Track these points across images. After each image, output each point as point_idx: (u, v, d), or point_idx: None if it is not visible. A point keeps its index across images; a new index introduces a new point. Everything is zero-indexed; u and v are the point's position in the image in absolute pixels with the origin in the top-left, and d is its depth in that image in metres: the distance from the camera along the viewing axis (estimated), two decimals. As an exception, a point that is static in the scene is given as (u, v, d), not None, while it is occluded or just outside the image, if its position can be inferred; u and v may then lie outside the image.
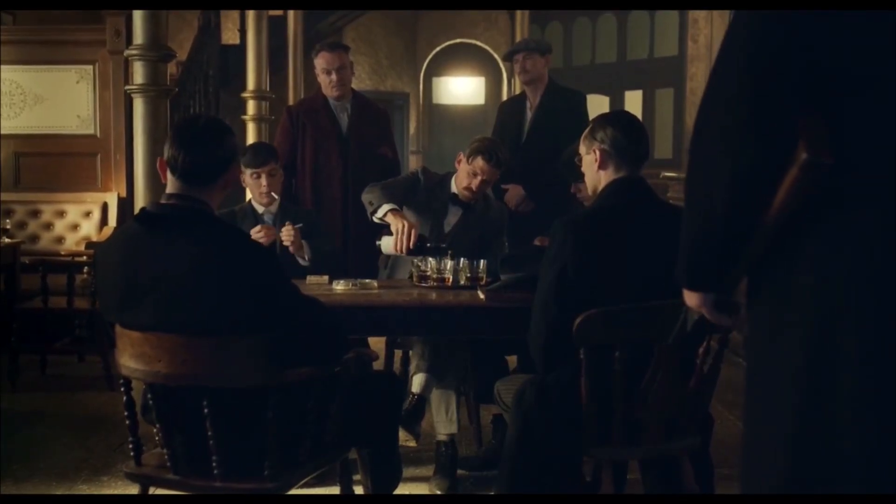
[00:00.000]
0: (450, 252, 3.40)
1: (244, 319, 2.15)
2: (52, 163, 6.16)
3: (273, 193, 3.83)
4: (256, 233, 3.67)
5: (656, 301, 2.38)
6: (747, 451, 1.53)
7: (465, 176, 3.70)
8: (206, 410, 2.15)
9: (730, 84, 1.40)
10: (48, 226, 6.07)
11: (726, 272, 1.51)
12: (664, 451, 2.55)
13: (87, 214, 6.06)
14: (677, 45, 10.62)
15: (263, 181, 3.80)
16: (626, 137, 2.63)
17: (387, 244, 3.59)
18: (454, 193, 3.77)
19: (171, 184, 2.24)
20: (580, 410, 2.47)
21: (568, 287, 2.48)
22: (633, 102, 10.83)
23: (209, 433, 2.17)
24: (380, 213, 3.58)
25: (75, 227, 6.05)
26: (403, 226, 3.46)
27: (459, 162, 3.74)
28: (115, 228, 2.50)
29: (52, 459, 3.69)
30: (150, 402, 2.22)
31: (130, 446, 2.34)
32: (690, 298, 1.60)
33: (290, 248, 3.69)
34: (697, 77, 10.18)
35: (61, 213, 6.09)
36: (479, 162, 3.64)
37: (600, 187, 2.65)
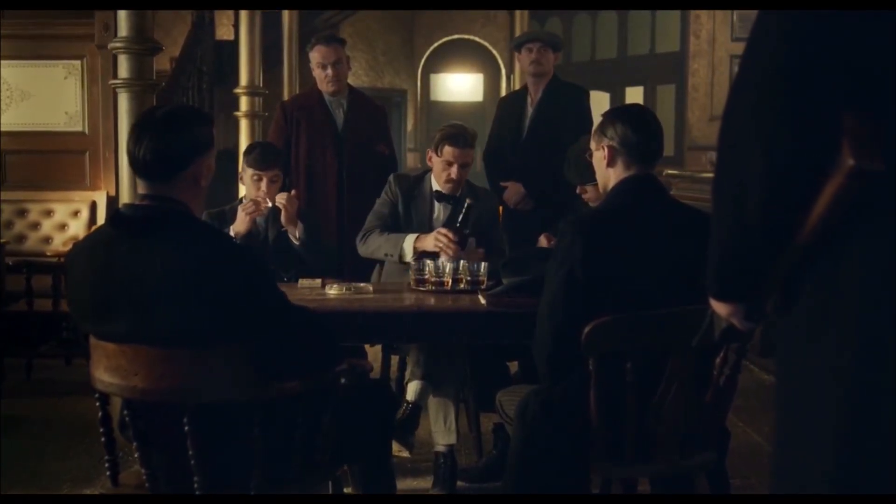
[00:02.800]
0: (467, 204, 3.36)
1: (227, 329, 1.99)
2: (39, 161, 5.98)
3: (269, 200, 3.61)
4: (245, 206, 3.48)
5: (671, 307, 2.23)
6: (783, 454, 1.40)
7: (441, 170, 3.55)
8: (186, 427, 1.99)
9: (764, 82, 1.27)
10: (35, 225, 5.91)
11: (761, 281, 1.36)
12: (678, 468, 2.40)
13: (76, 214, 5.90)
14: (679, 40, 10.50)
15: (263, 186, 3.58)
16: (636, 133, 2.48)
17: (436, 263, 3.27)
18: (437, 191, 3.61)
19: (139, 183, 2.07)
20: (588, 424, 2.32)
21: (576, 292, 2.33)
22: (634, 99, 10.72)
23: (190, 452, 2.01)
24: (409, 255, 3.42)
25: (63, 226, 5.89)
26: (438, 237, 3.31)
27: (430, 159, 3.60)
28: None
29: (33, 470, 3.55)
30: (127, 418, 2.06)
31: (107, 465, 2.18)
32: (720, 308, 1.45)
33: (283, 218, 3.52)
34: (699, 73, 10.07)
35: (49, 213, 5.92)
36: (448, 149, 3.49)
37: (610, 186, 2.50)
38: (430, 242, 3.35)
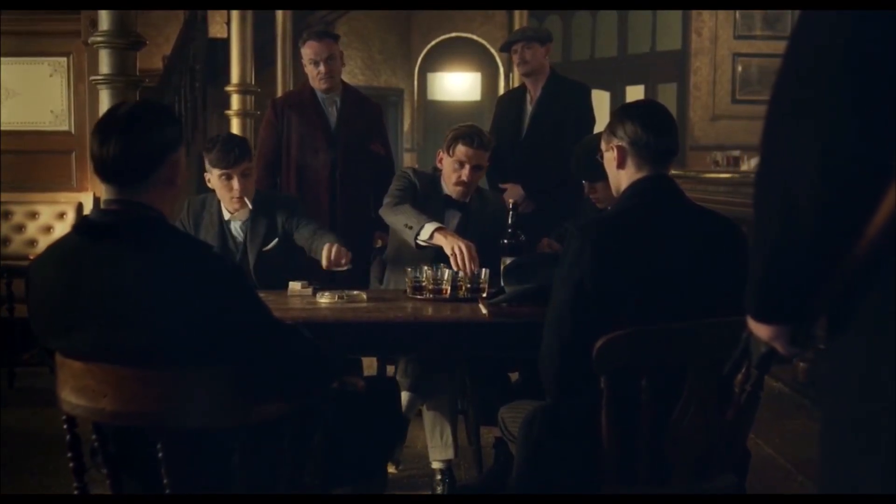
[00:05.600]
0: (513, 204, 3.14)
1: (205, 347, 1.80)
2: (23, 161, 5.82)
3: (246, 199, 3.28)
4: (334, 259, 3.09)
5: (690, 319, 2.07)
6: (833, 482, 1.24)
7: (451, 171, 3.32)
8: (160, 454, 1.81)
9: (819, 78, 1.12)
10: (20, 228, 5.75)
11: (812, 299, 1.19)
12: (696, 492, 2.22)
13: (61, 216, 5.75)
14: (680, 38, 10.35)
15: (235, 184, 3.23)
16: (647, 132, 2.30)
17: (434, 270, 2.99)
18: (447, 195, 3.39)
19: (105, 188, 1.90)
20: (598, 444, 2.15)
21: (586, 303, 2.15)
22: (635, 98, 10.56)
23: (165, 480, 1.83)
24: (424, 235, 3.08)
25: (48, 229, 5.73)
26: (460, 247, 2.96)
27: (441, 160, 3.37)
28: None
29: (8, 487, 3.37)
30: (96, 443, 1.88)
31: (76, 492, 2.00)
32: (760, 330, 1.27)
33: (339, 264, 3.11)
34: (701, 71, 9.93)
35: (34, 215, 5.76)
36: (461, 148, 3.27)
37: (622, 188, 2.33)
38: (447, 245, 3.01)
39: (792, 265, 1.16)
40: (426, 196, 3.37)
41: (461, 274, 2.94)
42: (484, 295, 2.88)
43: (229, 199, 3.30)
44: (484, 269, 2.94)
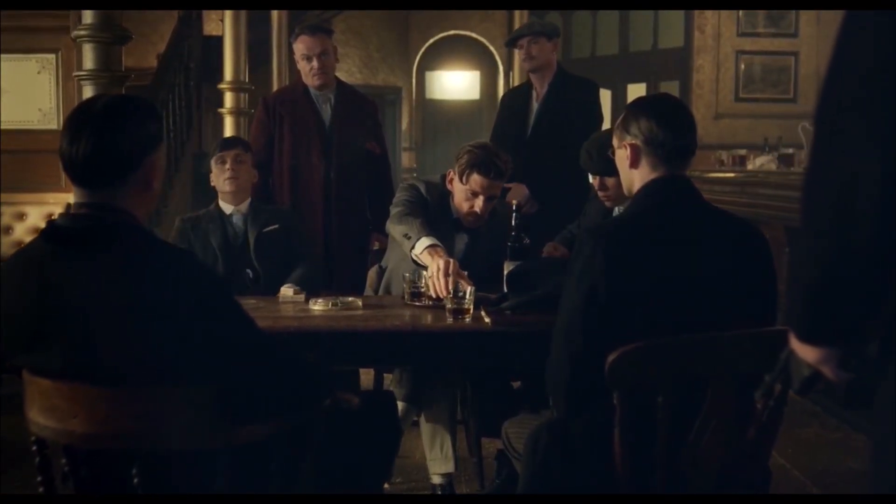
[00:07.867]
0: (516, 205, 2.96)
1: (185, 364, 1.67)
2: (11, 161, 5.69)
3: (237, 181, 3.45)
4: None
5: (708, 330, 1.92)
6: None
7: (463, 199, 3.04)
8: (136, 479, 1.67)
9: (875, 76, 1.00)
10: (7, 229, 5.64)
11: (868, 317, 1.04)
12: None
13: (50, 217, 5.59)
14: (683, 35, 10.23)
15: (228, 164, 3.43)
16: (663, 129, 2.15)
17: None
18: (457, 218, 3.13)
19: (75, 190, 1.75)
20: (610, 464, 2.00)
21: (598, 312, 2.00)
22: (636, 96, 10.45)
23: (141, 508, 1.69)
24: (417, 250, 2.86)
25: (37, 230, 5.57)
26: (438, 268, 2.71)
27: (451, 182, 3.09)
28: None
29: (-9, 500, 3.24)
30: (66, 467, 1.74)
31: (48, 519, 1.86)
32: (806, 352, 1.13)
33: None
34: (704, 69, 9.82)
35: (21, 216, 5.65)
36: (476, 178, 2.98)
37: (635, 189, 2.18)
38: (431, 265, 2.77)
39: (848, 279, 1.02)
40: (436, 217, 3.10)
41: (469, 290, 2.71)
42: (467, 319, 2.61)
43: (223, 180, 3.45)
44: (469, 289, 2.63)
